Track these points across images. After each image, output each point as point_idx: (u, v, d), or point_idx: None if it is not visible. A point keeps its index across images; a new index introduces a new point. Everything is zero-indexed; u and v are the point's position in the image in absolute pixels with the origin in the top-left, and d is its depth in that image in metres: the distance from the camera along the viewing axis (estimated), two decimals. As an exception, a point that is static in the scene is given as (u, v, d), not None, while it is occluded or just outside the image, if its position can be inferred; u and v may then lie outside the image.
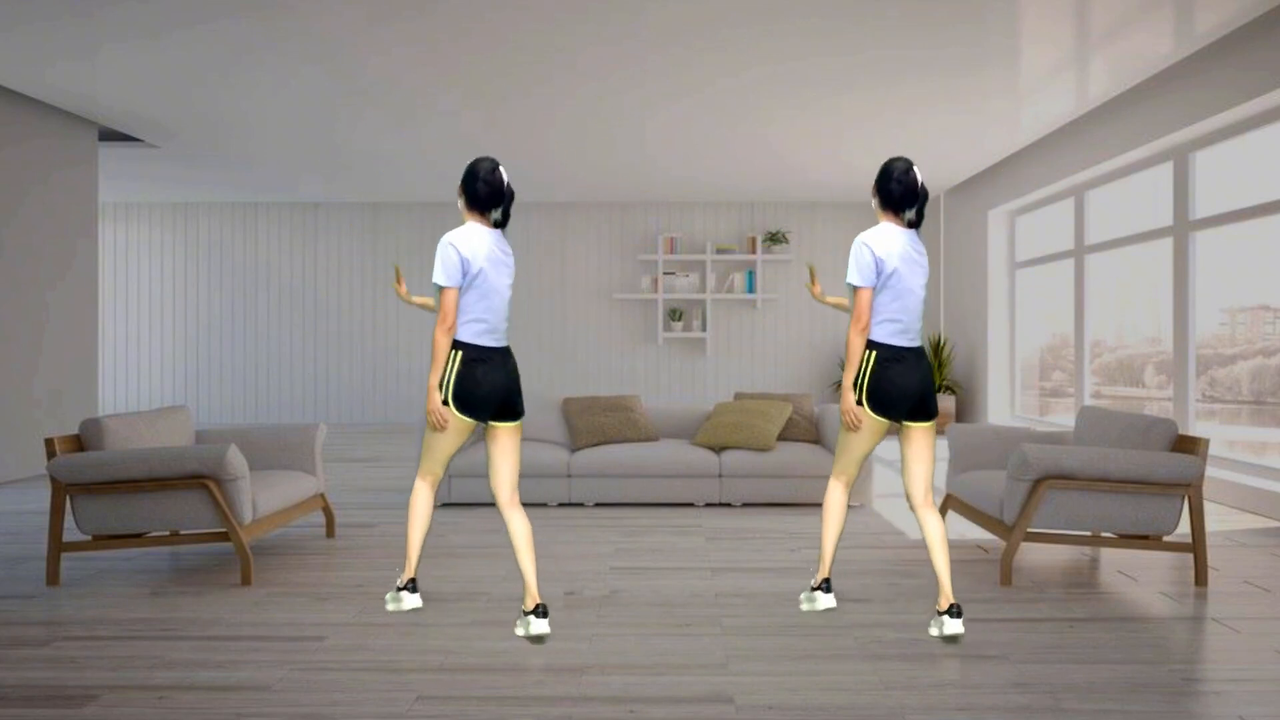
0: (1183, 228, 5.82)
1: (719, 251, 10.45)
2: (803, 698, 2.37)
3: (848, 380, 2.87)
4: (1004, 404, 8.96)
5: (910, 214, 2.90)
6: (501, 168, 2.96)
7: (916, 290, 2.88)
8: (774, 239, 10.34)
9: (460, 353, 2.81)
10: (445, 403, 2.83)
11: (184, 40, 5.14)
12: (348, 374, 10.73)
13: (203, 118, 6.86)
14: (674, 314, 10.42)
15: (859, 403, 2.88)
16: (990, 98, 6.28)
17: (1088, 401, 7.26)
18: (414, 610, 3.11)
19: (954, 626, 2.77)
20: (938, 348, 9.52)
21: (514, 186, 9.70)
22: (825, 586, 3.13)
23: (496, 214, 2.90)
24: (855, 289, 2.84)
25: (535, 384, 10.72)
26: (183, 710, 2.29)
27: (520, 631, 2.84)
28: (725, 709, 2.29)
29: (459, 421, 2.88)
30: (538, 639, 2.83)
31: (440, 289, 2.80)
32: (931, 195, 10.26)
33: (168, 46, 5.25)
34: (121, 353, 10.83)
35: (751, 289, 10.47)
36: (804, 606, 3.14)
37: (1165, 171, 6.22)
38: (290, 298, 10.75)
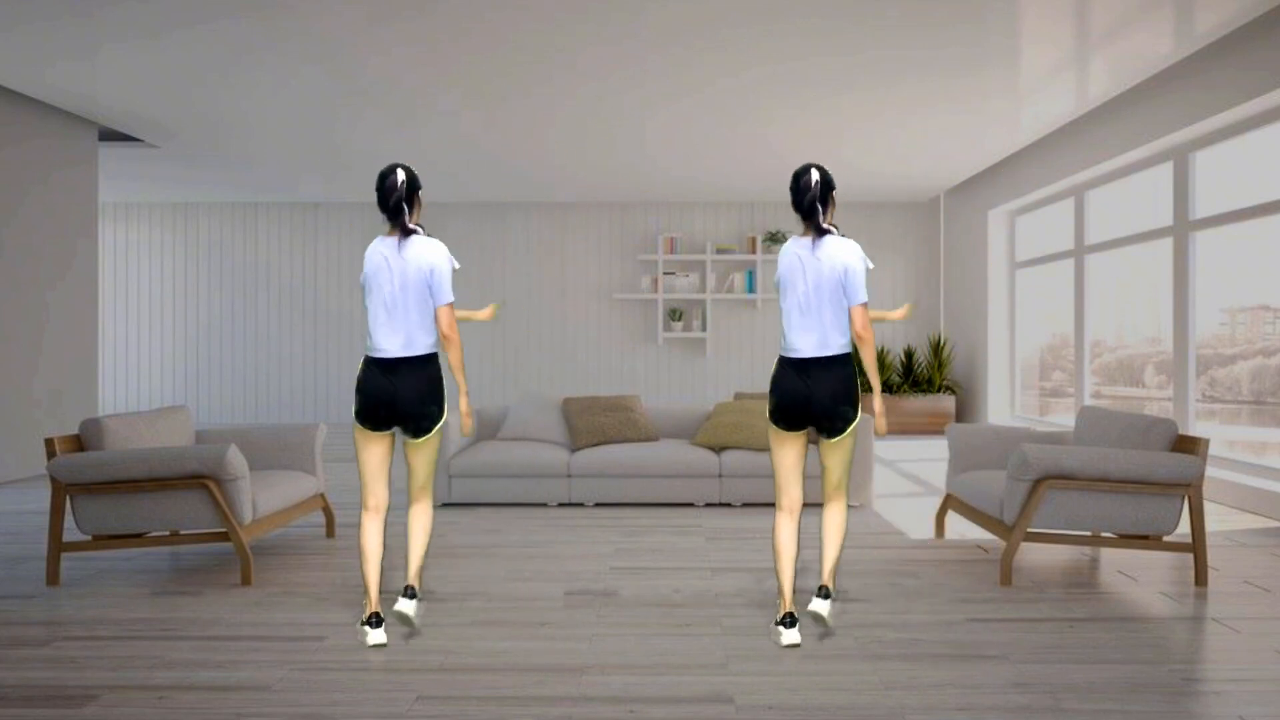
0: (1183, 228, 5.82)
1: (719, 251, 10.45)
2: (803, 698, 2.37)
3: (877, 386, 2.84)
4: (1004, 404, 8.96)
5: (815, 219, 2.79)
6: (399, 170, 2.78)
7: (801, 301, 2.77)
8: (774, 239, 10.33)
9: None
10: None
11: (184, 40, 5.14)
12: (348, 374, 10.73)
13: (203, 118, 6.86)
14: (674, 314, 10.42)
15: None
16: (990, 98, 6.28)
17: (1088, 401, 7.26)
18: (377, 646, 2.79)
19: (819, 606, 2.78)
20: (937, 348, 9.52)
21: (514, 186, 9.70)
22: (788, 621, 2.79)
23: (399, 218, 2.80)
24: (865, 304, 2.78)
25: (535, 384, 10.72)
26: (183, 710, 2.29)
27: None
28: (725, 709, 2.29)
29: (359, 432, 2.84)
30: (401, 617, 2.82)
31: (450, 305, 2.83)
32: (931, 195, 10.25)
33: (168, 46, 5.25)
34: (121, 353, 10.83)
35: (751, 289, 10.47)
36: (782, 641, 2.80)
37: (1165, 171, 6.22)
38: (290, 298, 10.75)
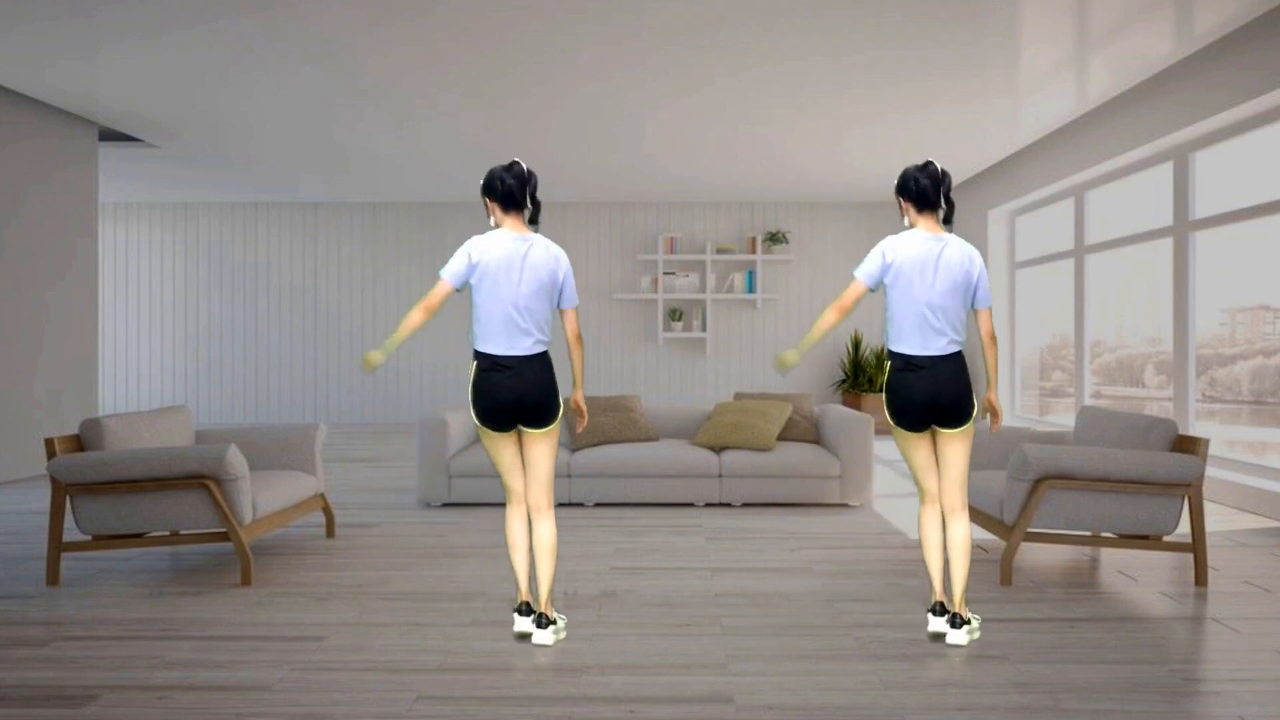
0: (1183, 228, 5.82)
1: (719, 251, 10.44)
2: (803, 698, 2.37)
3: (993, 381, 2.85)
4: (1004, 404, 8.96)
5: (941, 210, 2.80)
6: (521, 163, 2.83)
7: (926, 296, 2.75)
8: (774, 239, 10.34)
9: (475, 361, 2.76)
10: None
11: (184, 40, 5.14)
12: (348, 374, 10.73)
13: (203, 118, 6.86)
14: (674, 314, 10.42)
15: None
16: (990, 98, 6.28)
17: (1088, 401, 7.26)
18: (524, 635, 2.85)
19: (954, 636, 2.78)
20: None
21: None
22: (938, 609, 2.85)
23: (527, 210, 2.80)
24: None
25: (535, 384, 10.70)
26: (183, 710, 2.29)
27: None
28: (725, 709, 2.29)
29: (482, 431, 2.79)
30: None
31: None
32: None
33: (168, 46, 5.25)
34: (121, 353, 10.83)
35: (751, 289, 10.47)
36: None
37: (1165, 171, 6.22)
38: (290, 298, 10.75)
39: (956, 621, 2.76)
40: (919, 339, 2.75)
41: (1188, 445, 3.48)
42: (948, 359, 2.74)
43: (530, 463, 2.81)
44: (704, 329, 10.50)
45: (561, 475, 5.18)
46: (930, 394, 2.73)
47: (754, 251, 10.37)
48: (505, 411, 2.71)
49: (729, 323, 10.65)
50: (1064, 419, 7.98)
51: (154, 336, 10.82)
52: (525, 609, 2.83)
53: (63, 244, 6.74)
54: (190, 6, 4.65)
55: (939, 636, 2.83)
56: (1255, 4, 4.60)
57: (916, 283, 2.74)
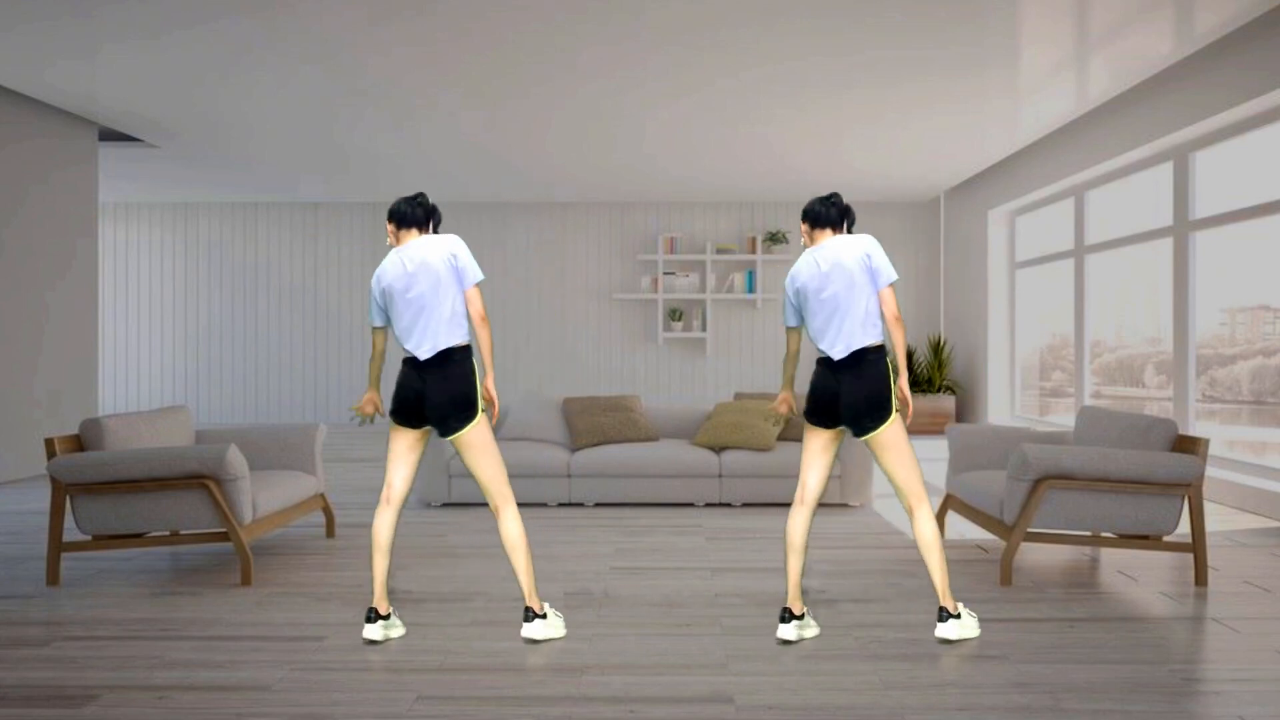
0: (1183, 228, 5.82)
1: (719, 251, 10.45)
2: (803, 698, 2.37)
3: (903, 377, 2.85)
4: (1004, 404, 8.96)
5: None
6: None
7: (830, 301, 2.80)
8: (774, 239, 10.34)
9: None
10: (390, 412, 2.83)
11: (184, 40, 5.14)
12: (348, 374, 10.73)
13: (203, 118, 6.86)
14: (674, 314, 10.42)
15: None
16: (990, 98, 6.28)
17: (1088, 401, 7.26)
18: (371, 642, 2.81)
19: (943, 630, 2.79)
20: (937, 348, 9.52)
21: (514, 186, 9.70)
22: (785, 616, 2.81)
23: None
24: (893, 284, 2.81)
25: (535, 384, 10.72)
26: (183, 710, 2.29)
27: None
28: (725, 709, 2.29)
29: (393, 428, 2.86)
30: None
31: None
32: (931, 195, 10.26)
33: (168, 46, 5.25)
34: (121, 353, 10.83)
35: (751, 289, 10.47)
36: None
37: (1165, 171, 6.22)
38: (290, 298, 10.75)
39: (943, 615, 2.78)
40: (828, 341, 2.78)
41: (1188, 445, 3.48)
42: (855, 359, 2.73)
43: (468, 469, 2.86)
44: (704, 329, 10.50)
45: (561, 475, 5.18)
46: (836, 394, 2.75)
47: (754, 251, 10.37)
48: (411, 411, 2.77)
49: (729, 323, 10.65)
50: (1064, 419, 7.99)
51: (154, 336, 10.82)
52: (374, 615, 2.78)
53: (63, 244, 6.74)
54: (190, 6, 4.65)
55: (787, 643, 2.79)
56: (1255, 4, 4.60)
57: (821, 292, 2.78)
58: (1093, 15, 4.73)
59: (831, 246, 2.82)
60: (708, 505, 5.24)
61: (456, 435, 2.77)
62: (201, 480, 3.44)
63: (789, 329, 2.96)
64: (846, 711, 2.28)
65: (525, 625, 2.79)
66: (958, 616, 2.80)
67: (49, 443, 3.44)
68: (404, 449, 2.84)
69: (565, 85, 6.01)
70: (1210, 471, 5.52)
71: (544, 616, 2.81)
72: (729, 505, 5.22)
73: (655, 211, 10.67)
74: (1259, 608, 3.20)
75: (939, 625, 2.79)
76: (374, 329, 2.91)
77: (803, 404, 2.97)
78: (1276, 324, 5.30)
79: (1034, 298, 8.74)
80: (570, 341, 10.66)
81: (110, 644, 2.81)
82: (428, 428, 2.84)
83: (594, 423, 5.48)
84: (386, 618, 2.82)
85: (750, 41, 5.16)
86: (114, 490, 3.42)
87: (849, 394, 2.73)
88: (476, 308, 2.80)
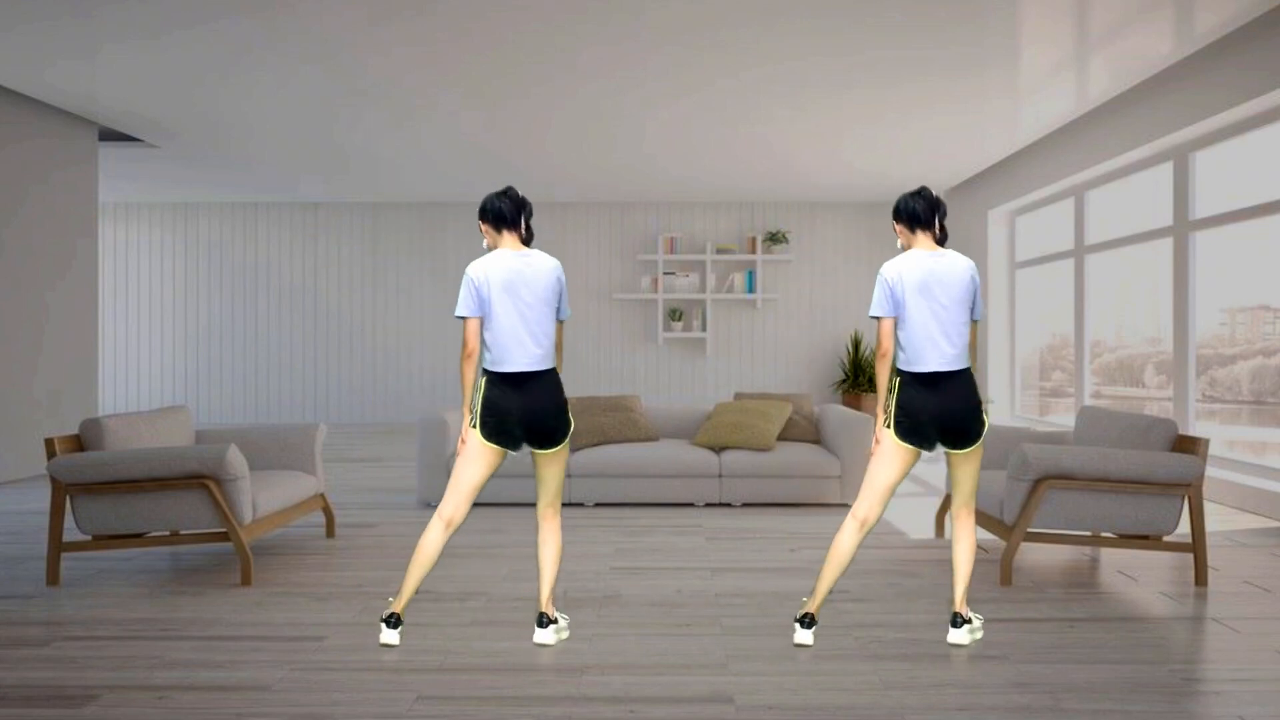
0: (1183, 228, 5.82)
1: (719, 251, 10.44)
2: (803, 698, 2.37)
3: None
4: (1004, 404, 8.96)
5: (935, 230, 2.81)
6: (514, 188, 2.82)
7: (933, 312, 2.74)
8: (774, 239, 10.34)
9: (485, 378, 2.76)
10: (473, 426, 2.74)
11: (184, 40, 5.14)
12: (348, 374, 10.73)
13: (203, 118, 6.86)
14: (674, 314, 10.42)
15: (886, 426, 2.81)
16: (990, 98, 6.28)
17: (1088, 401, 7.26)
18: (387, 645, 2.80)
19: (955, 636, 2.79)
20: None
21: (514, 186, 9.70)
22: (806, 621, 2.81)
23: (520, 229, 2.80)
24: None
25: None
26: (183, 710, 2.29)
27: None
28: (725, 709, 2.29)
29: (479, 446, 2.75)
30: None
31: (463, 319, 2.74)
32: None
33: (168, 46, 5.25)
34: (121, 353, 10.83)
35: (751, 289, 10.47)
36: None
37: (1165, 171, 6.22)
38: (290, 298, 10.75)
39: (958, 621, 2.78)
40: (929, 356, 2.72)
41: (1188, 445, 3.48)
42: (958, 375, 2.72)
43: (543, 479, 2.81)
44: (704, 329, 10.50)
45: (561, 475, 5.18)
46: (942, 410, 2.70)
47: (754, 251, 10.37)
48: (514, 429, 2.70)
49: (729, 323, 10.65)
50: (1064, 419, 7.98)
51: (154, 336, 10.82)
52: (395, 621, 2.75)
53: (63, 244, 6.74)
54: (190, 6, 4.65)
55: (804, 647, 2.78)
56: (1255, 4, 4.60)
57: (924, 300, 2.72)
58: (1093, 15, 4.73)
59: (950, 257, 2.77)
60: (708, 505, 5.23)
61: (559, 447, 2.76)
62: (201, 480, 3.44)
63: (883, 319, 2.77)
64: (846, 711, 2.28)
65: (539, 631, 2.77)
66: (969, 621, 2.80)
67: (49, 443, 3.44)
68: (488, 470, 2.78)
69: (565, 85, 6.01)
70: (1210, 471, 5.52)
71: (556, 621, 2.81)
72: (729, 505, 5.22)
73: (655, 211, 10.67)
74: (1259, 608, 3.20)
75: (954, 631, 2.77)
76: (469, 320, 2.70)
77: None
78: (1276, 324, 5.30)
79: (1034, 298, 8.75)
80: (570, 341, 10.66)
81: (110, 644, 2.81)
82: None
83: (594, 423, 5.48)
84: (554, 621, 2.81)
85: (750, 41, 5.16)
86: (114, 490, 3.42)
87: (955, 406, 2.69)
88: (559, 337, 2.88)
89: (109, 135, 7.68)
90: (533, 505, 5.23)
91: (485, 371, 2.73)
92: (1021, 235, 8.81)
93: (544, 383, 2.71)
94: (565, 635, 2.86)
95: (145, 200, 10.65)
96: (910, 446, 2.75)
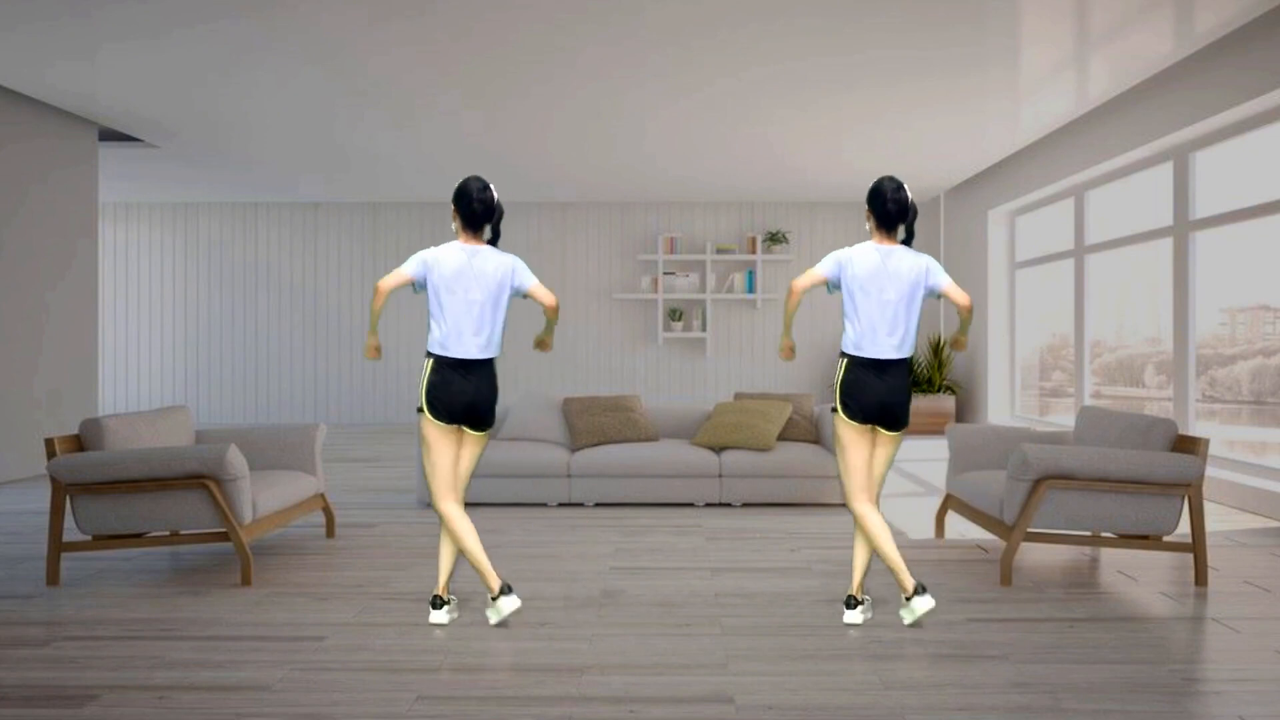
0: (1183, 228, 5.82)
1: (719, 251, 10.45)
2: (803, 698, 2.37)
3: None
4: (1004, 404, 8.96)
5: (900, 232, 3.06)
6: (491, 186, 3.09)
7: (880, 303, 2.96)
8: (774, 239, 10.34)
9: (430, 360, 2.98)
10: (419, 410, 2.98)
11: (184, 40, 5.14)
12: (348, 374, 10.73)
13: (203, 118, 6.86)
14: (674, 314, 10.42)
15: (833, 409, 3.06)
16: (990, 98, 6.28)
17: (1088, 401, 7.26)
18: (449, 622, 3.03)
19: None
20: (937, 348, 9.51)
21: (514, 186, 9.71)
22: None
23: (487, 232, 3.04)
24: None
25: (535, 384, 10.72)
26: (183, 710, 2.29)
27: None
28: (725, 709, 2.29)
29: (438, 430, 2.99)
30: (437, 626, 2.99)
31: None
32: (931, 195, 10.26)
33: (168, 46, 5.25)
34: (121, 353, 10.83)
35: (751, 289, 10.47)
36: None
37: (1165, 171, 6.22)
38: (290, 298, 10.75)
39: (851, 602, 3.01)
40: (875, 344, 2.95)
41: (1188, 445, 3.48)
42: (900, 363, 2.96)
43: (462, 459, 3.06)
44: (704, 329, 10.50)
45: (561, 475, 5.18)
46: (884, 394, 2.94)
47: (754, 251, 10.38)
48: (455, 409, 2.95)
49: (729, 323, 10.65)
50: (1064, 419, 7.99)
51: (154, 336, 10.82)
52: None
53: (63, 244, 6.74)
54: (190, 6, 4.65)
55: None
56: (1255, 4, 4.60)
57: (872, 291, 2.95)
58: (1093, 15, 4.73)
59: (899, 253, 2.99)
60: (708, 505, 5.24)
61: (487, 430, 3.06)
62: (201, 480, 3.44)
63: (818, 274, 3.01)
64: (846, 711, 2.28)
65: (435, 613, 3.00)
66: (861, 602, 3.01)
67: (49, 443, 3.44)
68: (454, 448, 3.04)
69: (565, 85, 6.01)
70: (1210, 471, 5.52)
71: (449, 603, 3.03)
72: (729, 505, 5.22)
73: (655, 211, 10.67)
74: (1259, 608, 3.20)
75: (849, 613, 2.98)
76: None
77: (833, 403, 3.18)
78: (1276, 324, 5.30)
79: (1034, 298, 8.74)
80: (570, 341, 10.66)
81: (110, 644, 2.81)
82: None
83: (594, 422, 5.48)
84: (449, 602, 3.05)
85: (750, 41, 5.16)
86: (114, 490, 3.42)
87: (896, 390, 2.94)
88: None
89: (109, 135, 7.68)
90: (533, 505, 5.23)
91: (433, 356, 2.97)
92: (1021, 235, 8.81)
93: (485, 370, 2.99)
94: (456, 615, 3.07)
95: (145, 200, 10.65)
96: (862, 425, 2.99)
